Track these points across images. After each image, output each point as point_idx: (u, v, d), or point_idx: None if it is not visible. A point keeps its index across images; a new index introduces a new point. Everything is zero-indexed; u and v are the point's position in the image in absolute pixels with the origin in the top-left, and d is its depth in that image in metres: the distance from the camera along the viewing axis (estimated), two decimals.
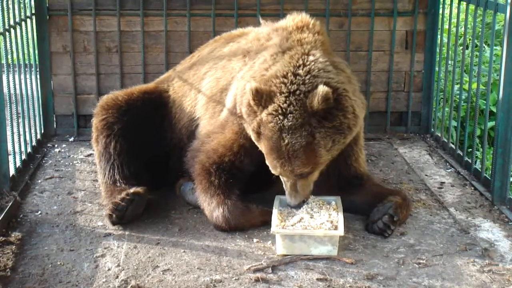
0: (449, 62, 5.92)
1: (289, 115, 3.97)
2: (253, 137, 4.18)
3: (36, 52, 6.11)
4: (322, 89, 3.90)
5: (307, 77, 4.03)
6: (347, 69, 4.33)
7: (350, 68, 4.46)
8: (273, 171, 4.19)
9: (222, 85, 4.70)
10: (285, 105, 3.98)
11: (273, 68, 4.16)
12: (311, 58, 4.12)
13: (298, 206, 4.26)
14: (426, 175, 5.43)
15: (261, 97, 4.01)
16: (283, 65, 4.12)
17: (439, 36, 6.20)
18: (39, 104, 6.09)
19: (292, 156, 4.02)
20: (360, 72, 6.15)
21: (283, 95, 4.00)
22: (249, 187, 4.58)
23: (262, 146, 4.14)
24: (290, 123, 3.97)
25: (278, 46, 4.32)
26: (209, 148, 4.48)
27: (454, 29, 5.81)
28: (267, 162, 4.17)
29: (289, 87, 4.01)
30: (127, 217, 4.41)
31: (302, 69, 4.06)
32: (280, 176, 4.24)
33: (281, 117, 3.98)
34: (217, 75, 4.79)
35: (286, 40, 4.33)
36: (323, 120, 3.99)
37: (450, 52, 5.96)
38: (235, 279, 3.84)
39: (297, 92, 3.99)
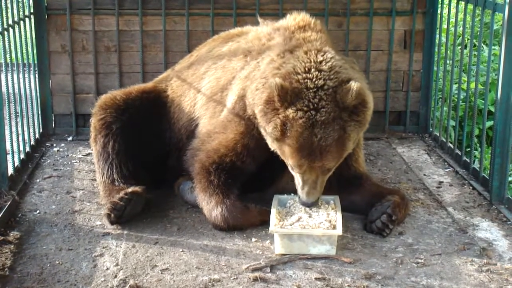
0: (448, 61, 5.93)
1: (322, 109, 3.96)
2: (272, 135, 4.09)
3: (35, 51, 6.11)
4: (355, 84, 3.93)
5: (331, 72, 4.04)
6: (356, 66, 4.37)
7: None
8: (296, 170, 4.13)
9: (222, 85, 4.69)
10: (315, 100, 3.97)
11: (286, 66, 4.14)
12: (329, 55, 4.14)
13: (314, 204, 4.22)
14: (424, 175, 5.43)
15: (286, 94, 3.97)
16: (301, 61, 4.10)
17: (437, 36, 6.20)
18: (37, 104, 6.09)
19: (324, 151, 4.00)
20: None
21: (311, 90, 3.99)
22: (248, 187, 4.59)
23: (286, 145, 4.05)
24: (323, 118, 3.96)
25: (283, 45, 4.32)
26: (209, 148, 4.48)
27: (452, 29, 5.81)
28: (291, 161, 4.09)
29: (316, 82, 4.00)
30: (125, 216, 4.41)
31: (325, 65, 4.07)
32: (298, 175, 4.17)
33: (313, 112, 3.96)
34: (217, 75, 4.78)
35: (290, 39, 4.34)
36: (352, 114, 4.02)
37: (448, 51, 5.97)
38: (234, 278, 3.84)
39: (325, 87, 4.00)
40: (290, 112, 3.98)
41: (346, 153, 4.15)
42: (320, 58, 4.10)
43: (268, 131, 4.10)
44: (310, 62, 4.09)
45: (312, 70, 4.04)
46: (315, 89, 3.99)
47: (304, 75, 4.03)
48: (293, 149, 4.03)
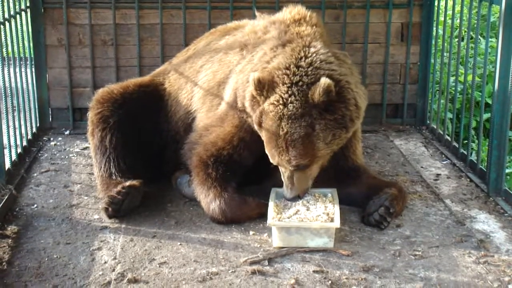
0: (445, 54, 5.92)
1: (290, 104, 3.99)
2: (256, 127, 4.19)
3: (31, 45, 6.08)
4: (324, 81, 3.92)
5: (310, 68, 4.05)
6: (348, 60, 4.35)
7: (351, 59, 4.47)
8: (271, 160, 4.19)
9: (219, 79, 4.70)
10: (286, 95, 4.01)
11: (274, 60, 4.17)
12: (312, 50, 4.13)
13: (293, 200, 4.25)
14: (422, 167, 5.44)
15: (263, 87, 4.03)
16: (285, 57, 4.13)
17: (434, 28, 6.20)
18: (34, 98, 6.08)
19: (290, 145, 4.03)
20: (355, 64, 6.10)
21: (285, 85, 4.02)
22: (246, 180, 4.59)
23: (263, 135, 4.15)
24: (290, 112, 3.99)
25: (277, 39, 4.32)
26: (207, 141, 4.48)
27: (449, 21, 5.81)
28: (266, 151, 4.17)
29: (292, 78, 4.03)
30: (123, 210, 4.41)
31: (304, 61, 4.07)
32: (279, 167, 4.23)
33: (281, 107, 4.00)
34: (213, 68, 4.78)
35: (285, 33, 4.33)
36: (324, 112, 4.01)
37: (445, 44, 5.96)
38: (232, 271, 3.84)
39: (300, 83, 4.01)
40: (266, 105, 4.05)
41: (318, 152, 4.09)
42: (302, 54, 4.12)
43: (253, 123, 4.17)
44: (292, 58, 4.11)
45: (291, 66, 4.07)
46: (289, 85, 4.02)
47: (284, 71, 4.07)
48: (265, 139, 4.12)
